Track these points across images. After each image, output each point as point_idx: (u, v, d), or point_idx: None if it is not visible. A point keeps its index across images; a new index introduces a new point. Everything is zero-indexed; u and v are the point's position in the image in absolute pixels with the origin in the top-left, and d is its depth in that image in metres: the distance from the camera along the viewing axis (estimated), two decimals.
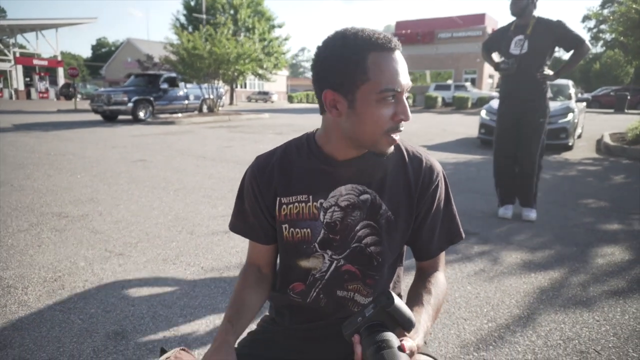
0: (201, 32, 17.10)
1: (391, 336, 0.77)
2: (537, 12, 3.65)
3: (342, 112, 0.92)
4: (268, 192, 1.05)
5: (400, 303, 0.80)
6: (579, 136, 10.10)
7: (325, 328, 1.08)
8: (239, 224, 1.12)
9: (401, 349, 0.76)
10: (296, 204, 1.04)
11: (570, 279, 2.67)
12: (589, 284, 2.59)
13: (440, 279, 1.07)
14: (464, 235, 1.11)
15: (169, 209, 4.06)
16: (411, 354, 0.81)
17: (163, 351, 1.72)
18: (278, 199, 1.05)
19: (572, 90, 9.28)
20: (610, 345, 1.97)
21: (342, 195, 1.02)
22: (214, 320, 2.13)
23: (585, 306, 2.32)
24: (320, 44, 0.94)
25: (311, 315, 1.10)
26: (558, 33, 3.52)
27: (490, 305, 2.32)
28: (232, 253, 2.96)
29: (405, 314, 0.80)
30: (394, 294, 0.80)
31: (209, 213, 3.95)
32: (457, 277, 2.68)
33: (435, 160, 1.08)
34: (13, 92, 32.85)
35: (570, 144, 8.28)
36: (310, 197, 1.03)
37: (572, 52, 3.58)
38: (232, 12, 28.78)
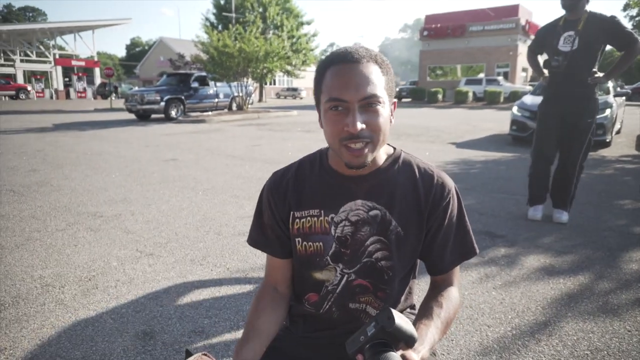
0: (230, 31, 17.33)
1: (394, 357, 0.79)
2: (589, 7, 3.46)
3: (320, 122, 1.01)
4: (283, 207, 1.09)
5: (400, 322, 0.81)
6: (618, 132, 9.71)
7: (337, 337, 1.10)
8: (257, 238, 1.15)
9: None
10: (308, 218, 1.07)
11: (600, 285, 2.59)
12: (620, 291, 2.51)
13: (452, 294, 1.08)
14: (477, 251, 1.11)
15: (197, 209, 4.17)
16: None
17: (188, 353, 1.78)
18: (292, 213, 1.08)
19: (610, 84, 8.92)
20: None
21: (352, 211, 1.04)
22: (238, 322, 2.19)
23: (616, 315, 2.25)
24: None
25: (324, 325, 1.13)
26: (611, 30, 3.34)
27: (515, 312, 2.28)
28: (257, 254, 3.02)
29: (407, 331, 0.81)
30: (394, 313, 0.82)
31: (236, 213, 4.03)
32: (482, 280, 2.64)
33: (447, 176, 1.08)
34: (53, 92, 34.24)
35: (607, 140, 7.97)
36: (322, 211, 1.06)
37: (623, 52, 3.41)
38: (261, 10, 29.02)
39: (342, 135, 0.93)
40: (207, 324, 2.17)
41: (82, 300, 2.41)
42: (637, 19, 39.22)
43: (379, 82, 0.93)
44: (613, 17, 3.36)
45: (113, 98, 26.00)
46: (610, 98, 8.11)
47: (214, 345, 2.00)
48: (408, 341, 0.82)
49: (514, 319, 2.22)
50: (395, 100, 1.03)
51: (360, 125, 0.90)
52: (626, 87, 23.54)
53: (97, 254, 3.05)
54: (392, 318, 0.80)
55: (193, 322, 2.19)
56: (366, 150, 0.94)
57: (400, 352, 0.84)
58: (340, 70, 0.93)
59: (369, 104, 0.91)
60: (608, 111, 7.76)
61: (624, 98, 9.96)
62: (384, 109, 0.94)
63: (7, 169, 5.99)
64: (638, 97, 26.11)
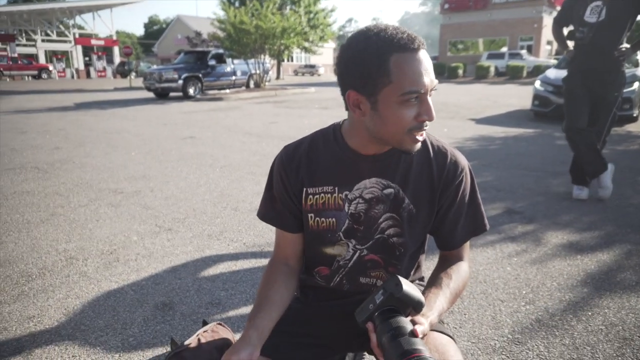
0: (247, 7, 17.15)
1: (405, 322, 0.81)
2: None
3: (365, 112, 0.93)
4: (296, 182, 1.08)
5: (408, 288, 0.82)
6: None
7: (347, 305, 1.12)
8: (268, 212, 1.15)
9: (413, 334, 0.79)
10: (322, 194, 1.07)
11: (620, 261, 2.56)
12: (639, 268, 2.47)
13: (462, 267, 1.09)
14: (488, 227, 1.11)
15: (214, 185, 4.23)
16: (423, 336, 0.84)
17: (205, 323, 1.84)
18: (305, 189, 1.08)
19: (639, 56, 8.57)
20: None
21: (366, 188, 1.04)
22: (254, 295, 2.24)
23: (634, 291, 2.23)
24: (344, 42, 0.96)
25: (334, 295, 1.15)
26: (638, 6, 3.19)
27: (529, 288, 2.28)
28: (272, 230, 3.03)
29: (415, 297, 0.83)
30: (401, 279, 0.83)
31: (252, 190, 4.07)
32: (497, 257, 2.63)
33: (461, 155, 1.07)
34: (74, 72, 34.69)
35: (635, 115, 7.71)
36: (336, 188, 1.06)
37: None
38: None
39: (412, 125, 0.91)
40: (223, 296, 2.23)
41: (104, 272, 2.50)
42: None
43: None
44: None
45: (132, 77, 26.21)
46: (639, 71, 7.80)
47: (230, 316, 2.05)
48: (416, 306, 0.84)
49: (528, 294, 2.22)
50: None
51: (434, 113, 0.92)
52: None
53: (118, 229, 3.13)
54: (399, 284, 0.82)
55: (210, 294, 2.25)
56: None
57: (409, 317, 0.86)
58: (411, 59, 0.87)
59: (434, 90, 0.92)
60: (636, 85, 7.48)
61: None
62: None
63: (31, 147, 6.15)
64: None
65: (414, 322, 0.85)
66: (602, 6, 3.27)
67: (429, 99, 0.90)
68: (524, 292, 2.24)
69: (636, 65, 8.15)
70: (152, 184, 4.29)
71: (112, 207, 3.61)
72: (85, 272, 2.50)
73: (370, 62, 0.88)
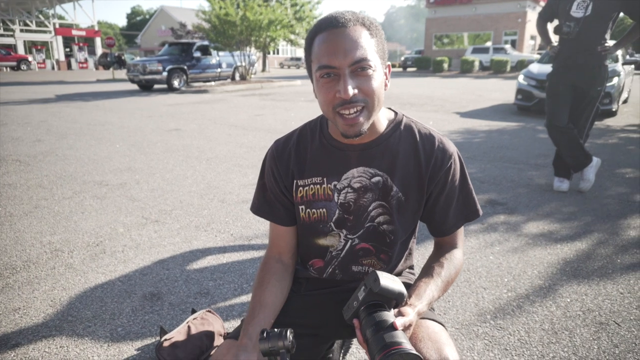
0: None
1: (387, 315, 0.83)
2: None
3: (315, 92, 0.99)
4: (287, 176, 1.10)
5: (386, 282, 0.84)
6: (625, 101, 9.59)
7: (339, 293, 1.14)
8: (261, 206, 1.16)
9: (393, 327, 0.81)
10: (311, 185, 1.08)
11: (597, 250, 2.64)
12: (616, 257, 2.56)
13: (455, 255, 1.10)
14: (481, 213, 1.12)
15: (201, 177, 4.22)
16: (408, 327, 0.87)
17: (194, 311, 1.87)
18: (295, 181, 1.10)
19: (619, 52, 8.75)
20: (632, 317, 1.96)
21: (354, 178, 1.05)
22: (242, 284, 2.26)
23: (610, 278, 2.31)
24: None
25: (327, 284, 1.17)
26: (624, 1, 3.25)
27: (511, 275, 2.34)
28: (260, 221, 3.07)
29: (395, 290, 0.85)
30: (379, 274, 0.85)
31: (239, 181, 4.07)
32: (480, 246, 2.70)
33: (449, 141, 1.09)
34: (55, 63, 33.96)
35: (614, 109, 7.89)
36: (325, 179, 1.07)
37: (635, 21, 3.32)
38: None
39: (335, 102, 0.91)
40: (212, 286, 2.25)
41: (90, 264, 2.49)
42: None
43: (368, 46, 0.91)
44: None
45: (115, 68, 25.74)
46: (619, 66, 7.97)
47: (219, 306, 2.07)
48: (398, 298, 0.86)
49: (510, 282, 2.28)
50: (389, 63, 1.01)
51: (352, 91, 0.89)
52: (636, 55, 22.99)
53: (103, 221, 3.12)
54: (377, 280, 0.84)
55: (198, 284, 2.27)
56: (361, 118, 0.92)
57: (395, 310, 0.89)
58: (327, 36, 0.90)
59: (360, 68, 0.90)
60: (615, 80, 7.64)
61: (632, 67, 9.78)
62: (377, 73, 0.92)
63: (12, 139, 6.04)
64: None
65: (400, 314, 0.88)
66: (588, 1, 3.33)
67: (347, 76, 0.89)
68: (506, 279, 2.30)
69: (616, 61, 8.33)
70: (138, 176, 4.26)
71: (97, 199, 3.58)
72: (71, 264, 2.48)
73: (307, 44, 0.96)
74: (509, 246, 2.70)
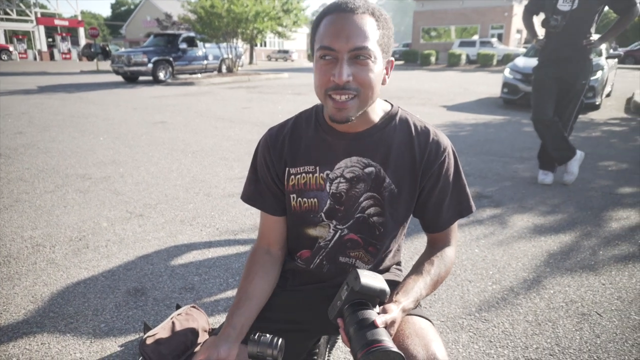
0: None
1: (370, 314, 0.82)
2: None
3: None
4: (279, 163, 1.09)
5: (367, 280, 0.84)
6: (608, 95, 9.72)
7: (325, 289, 1.13)
8: (251, 195, 1.15)
9: (374, 324, 0.81)
10: (304, 174, 1.07)
11: (580, 242, 2.68)
12: (599, 248, 2.60)
13: (447, 254, 1.10)
14: (474, 209, 1.12)
15: (187, 170, 4.17)
16: (390, 324, 0.87)
17: (178, 307, 1.84)
18: (287, 169, 1.08)
19: (603, 46, 8.85)
20: (613, 308, 2.00)
21: (347, 167, 1.04)
22: (227, 279, 2.24)
23: (592, 270, 2.34)
24: None
25: (313, 278, 1.16)
26: None
27: (496, 268, 2.36)
28: (246, 215, 3.05)
29: (376, 287, 0.84)
30: (360, 272, 0.84)
31: (225, 175, 4.04)
32: (466, 240, 2.71)
33: (444, 135, 1.08)
34: (37, 54, 33.24)
35: (597, 103, 7.99)
36: (317, 168, 1.06)
37: (620, 16, 3.35)
38: None
39: (328, 85, 0.91)
40: (197, 281, 2.22)
41: (73, 259, 2.44)
42: None
43: (372, 35, 0.90)
44: None
45: (99, 59, 25.28)
46: (602, 60, 8.06)
47: (204, 301, 2.05)
48: (380, 296, 0.85)
49: (494, 274, 2.30)
50: (392, 59, 1.00)
51: (346, 77, 0.88)
52: (620, 49, 23.36)
53: (86, 215, 3.06)
54: (358, 278, 0.83)
55: (183, 279, 2.24)
56: (350, 104, 0.91)
57: (379, 307, 0.88)
58: (333, 19, 0.90)
59: (359, 55, 0.89)
60: (599, 73, 7.73)
61: (616, 60, 9.92)
62: (375, 65, 0.91)
63: None
64: (631, 59, 25.99)
65: (384, 311, 0.87)
66: None
67: (345, 61, 0.89)
68: (491, 272, 2.32)
69: (600, 55, 8.42)
70: (122, 169, 4.20)
71: (80, 193, 3.52)
72: (53, 259, 2.44)
73: (314, 25, 0.96)
74: (494, 239, 2.73)
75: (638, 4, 3.30)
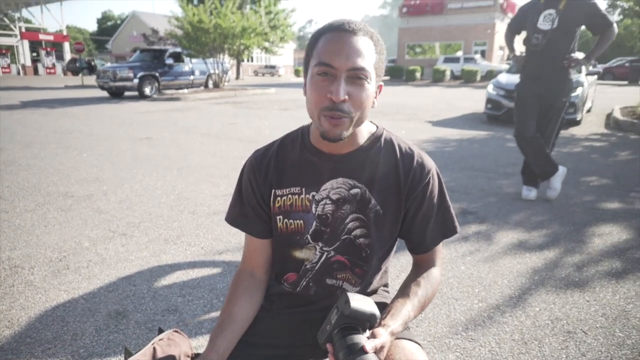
0: (206, 6, 16.84)
1: (359, 338, 0.81)
2: None
3: (305, 89, 0.98)
4: (265, 185, 1.08)
5: (357, 304, 0.83)
6: (589, 110, 9.93)
7: (312, 312, 1.12)
8: (236, 217, 1.14)
9: (363, 350, 0.80)
10: (290, 196, 1.07)
11: (564, 259, 2.70)
12: (583, 264, 2.62)
13: (433, 274, 1.09)
14: (458, 230, 1.12)
15: (172, 188, 4.12)
16: (380, 349, 0.85)
17: (161, 331, 1.79)
18: (273, 191, 1.08)
19: None
20: (597, 325, 2.01)
21: (333, 189, 1.04)
22: (212, 300, 2.20)
23: (577, 286, 2.36)
24: None
25: (300, 301, 1.14)
26: (590, 12, 3.36)
27: (482, 286, 2.36)
28: (231, 233, 3.02)
29: (366, 311, 0.83)
30: (350, 296, 0.83)
31: (211, 192, 4.00)
32: (452, 257, 2.72)
33: (428, 157, 1.09)
34: (20, 68, 32.89)
35: (578, 119, 8.16)
36: (303, 189, 1.06)
37: (599, 36, 3.43)
38: None
39: (323, 104, 0.91)
40: (180, 303, 2.18)
41: (52, 281, 2.38)
42: None
43: (370, 58, 0.92)
44: (594, 2, 3.38)
45: (84, 74, 25.11)
46: (582, 77, 8.25)
47: (187, 323, 2.01)
48: (370, 320, 0.84)
49: (480, 292, 2.30)
50: (382, 83, 1.02)
51: (343, 95, 0.89)
52: (599, 66, 24.01)
53: (68, 235, 3.00)
54: (348, 302, 0.82)
55: (166, 300, 2.20)
56: (345, 122, 0.92)
57: (368, 332, 0.87)
58: (334, 37, 0.91)
59: (357, 76, 0.90)
60: (579, 90, 7.91)
61: (595, 77, 10.16)
62: (370, 86, 0.93)
63: None
64: (610, 75, 26.71)
65: (373, 335, 0.86)
66: (555, 15, 3.44)
67: (343, 80, 0.89)
68: (477, 290, 2.32)
69: (580, 72, 8.64)
70: (106, 186, 4.14)
71: (62, 211, 3.45)
72: (32, 282, 2.37)
73: (311, 40, 0.96)
74: (480, 256, 2.73)
75: (614, 25, 3.40)
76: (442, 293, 2.28)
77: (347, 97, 0.90)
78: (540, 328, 1.98)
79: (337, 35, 0.91)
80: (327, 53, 0.90)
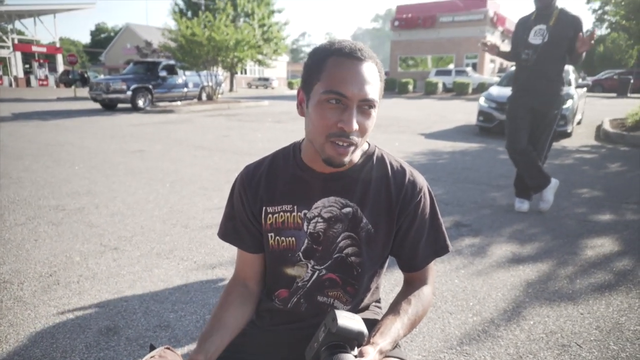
0: (200, 19, 16.94)
1: (346, 357, 0.80)
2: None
3: (304, 110, 0.98)
4: (255, 202, 1.08)
5: (344, 322, 0.82)
6: (579, 122, 10.06)
7: (303, 329, 1.11)
8: (228, 231, 1.14)
9: None
10: (281, 213, 1.07)
11: (557, 271, 2.71)
12: (576, 277, 2.63)
13: (424, 292, 1.09)
14: (450, 249, 1.12)
15: (164, 201, 4.10)
16: None
17: (152, 347, 1.76)
18: (264, 208, 1.08)
19: (572, 76, 9.21)
20: (592, 338, 2.01)
21: (325, 207, 1.04)
22: (204, 316, 2.18)
23: (571, 299, 2.36)
24: None
25: (291, 318, 1.13)
26: (578, 29, 3.42)
27: (476, 299, 2.36)
28: (225, 247, 3.00)
29: (354, 329, 0.82)
30: (338, 314, 0.83)
31: (204, 205, 3.98)
32: (446, 270, 2.71)
33: (420, 175, 1.09)
34: (12, 80, 32.76)
35: (569, 131, 8.25)
36: (295, 207, 1.06)
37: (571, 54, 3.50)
38: None
39: (332, 130, 0.91)
40: (172, 319, 2.15)
41: (42, 296, 2.34)
42: (599, 12, 40.55)
43: (377, 86, 0.93)
44: (580, 18, 3.45)
45: (77, 86, 25.05)
46: (572, 89, 8.37)
47: (179, 340, 1.98)
48: (358, 338, 0.83)
49: (475, 305, 2.29)
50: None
51: (356, 125, 0.89)
52: (588, 78, 24.37)
53: (58, 249, 2.96)
54: (335, 320, 0.81)
55: (158, 316, 2.17)
56: (350, 149, 0.93)
57: (356, 350, 0.86)
58: (346, 63, 0.90)
59: (367, 105, 0.91)
60: (569, 102, 8.01)
61: (585, 89, 10.30)
62: (375, 113, 0.94)
63: None
64: (599, 88, 27.11)
65: (361, 354, 0.85)
66: (545, 30, 3.50)
67: (355, 109, 0.90)
68: (471, 303, 2.32)
69: (569, 84, 8.76)
70: (98, 200, 4.10)
71: (53, 225, 3.41)
72: (21, 297, 2.33)
73: (315, 60, 0.94)
74: (474, 269, 2.73)
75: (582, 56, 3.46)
76: (436, 307, 2.27)
77: (357, 126, 0.90)
78: (535, 342, 1.98)
79: (348, 62, 0.90)
80: (339, 81, 0.89)
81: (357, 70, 0.90)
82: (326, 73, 0.91)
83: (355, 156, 1.04)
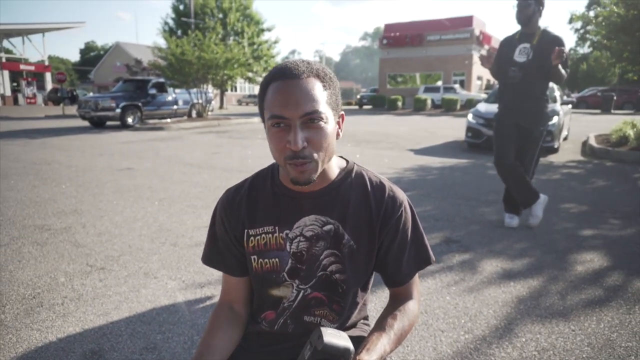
0: (190, 38, 17.05)
1: None
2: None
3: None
4: (237, 225, 1.08)
5: (330, 339, 0.81)
6: (565, 138, 10.21)
7: (290, 349, 1.09)
8: (212, 256, 1.14)
9: None
10: (263, 235, 1.06)
11: (548, 287, 2.71)
12: (566, 293, 2.63)
13: (410, 307, 1.08)
14: (433, 260, 1.12)
15: (153, 219, 4.05)
16: None
17: None
18: (246, 231, 1.07)
19: (557, 93, 9.39)
20: (584, 355, 2.00)
21: (306, 226, 1.04)
22: (192, 337, 2.13)
23: (562, 316, 2.35)
24: None
25: (278, 339, 1.12)
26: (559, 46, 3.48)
27: (468, 316, 2.34)
28: None
29: (340, 346, 0.82)
30: (323, 331, 0.82)
31: (193, 223, 3.94)
32: (437, 287, 2.70)
33: (399, 189, 1.09)
34: (0, 98, 32.49)
35: (555, 146, 8.37)
36: (277, 228, 1.05)
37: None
38: (221, 16, 28.70)
39: (285, 153, 0.92)
40: (159, 340, 2.10)
41: (24, 319, 2.28)
42: (581, 31, 41.63)
43: (321, 98, 0.92)
44: (562, 39, 3.54)
45: (65, 104, 24.91)
46: (557, 106, 8.52)
47: None
48: (345, 355, 0.83)
49: (466, 323, 2.28)
50: (343, 112, 1.02)
51: (301, 143, 0.89)
52: (572, 95, 24.88)
53: (43, 270, 2.90)
54: (321, 337, 0.81)
55: (145, 338, 2.12)
56: (310, 167, 0.93)
57: None
58: (280, 86, 0.91)
59: (311, 119, 0.90)
60: (555, 118, 8.15)
61: (570, 106, 10.50)
62: (328, 125, 0.93)
63: None
64: (583, 104, 27.65)
65: None
66: (530, 49, 3.59)
67: (298, 128, 0.89)
68: (463, 321, 2.30)
69: (555, 101, 8.92)
70: (84, 219, 4.04)
71: (38, 245, 3.35)
72: (2, 321, 2.27)
73: (261, 89, 0.97)
74: (465, 286, 2.72)
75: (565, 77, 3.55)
76: (428, 325, 2.25)
77: (305, 143, 0.90)
78: (527, 359, 1.96)
79: (282, 84, 0.91)
80: (277, 105, 0.90)
81: (292, 90, 0.90)
82: (267, 99, 0.93)
83: (332, 171, 1.05)
